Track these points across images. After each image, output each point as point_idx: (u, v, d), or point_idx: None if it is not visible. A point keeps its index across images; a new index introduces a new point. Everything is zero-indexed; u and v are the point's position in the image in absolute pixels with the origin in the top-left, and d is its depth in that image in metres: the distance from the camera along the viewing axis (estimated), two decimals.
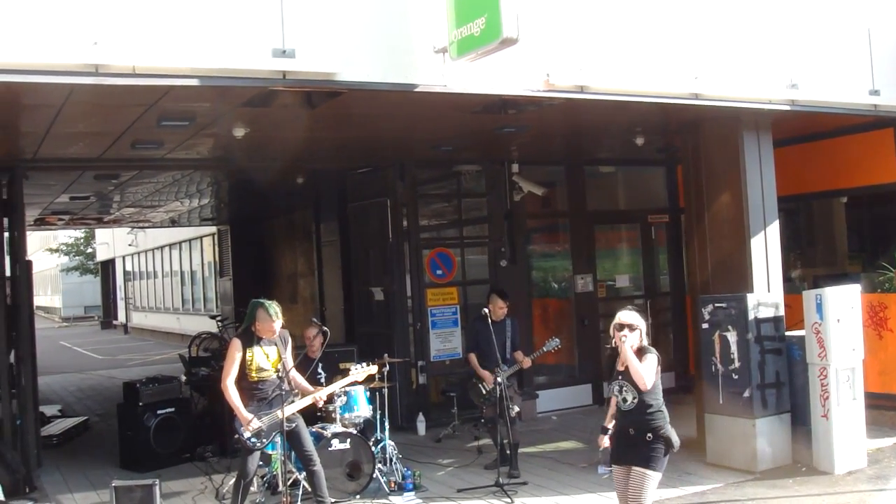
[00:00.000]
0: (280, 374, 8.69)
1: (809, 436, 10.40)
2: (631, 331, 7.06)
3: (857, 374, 10.38)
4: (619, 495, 7.17)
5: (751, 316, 10.39)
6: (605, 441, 7.29)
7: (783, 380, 10.62)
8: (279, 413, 8.54)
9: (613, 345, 7.16)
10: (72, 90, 7.61)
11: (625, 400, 7.05)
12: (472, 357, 10.95)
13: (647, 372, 6.94)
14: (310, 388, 9.04)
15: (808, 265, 13.98)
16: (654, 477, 6.94)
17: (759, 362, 10.41)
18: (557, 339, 10.89)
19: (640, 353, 7.07)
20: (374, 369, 9.56)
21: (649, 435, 6.96)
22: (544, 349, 10.90)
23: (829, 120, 11.61)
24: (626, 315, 7.18)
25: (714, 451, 10.75)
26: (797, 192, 12.78)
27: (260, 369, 8.66)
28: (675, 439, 7.04)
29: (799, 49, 10.49)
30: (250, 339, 8.72)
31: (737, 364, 10.43)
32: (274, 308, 8.71)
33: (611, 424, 7.29)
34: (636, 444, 7.00)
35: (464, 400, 12.86)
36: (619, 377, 7.11)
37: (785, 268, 11.56)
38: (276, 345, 8.78)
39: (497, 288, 11.82)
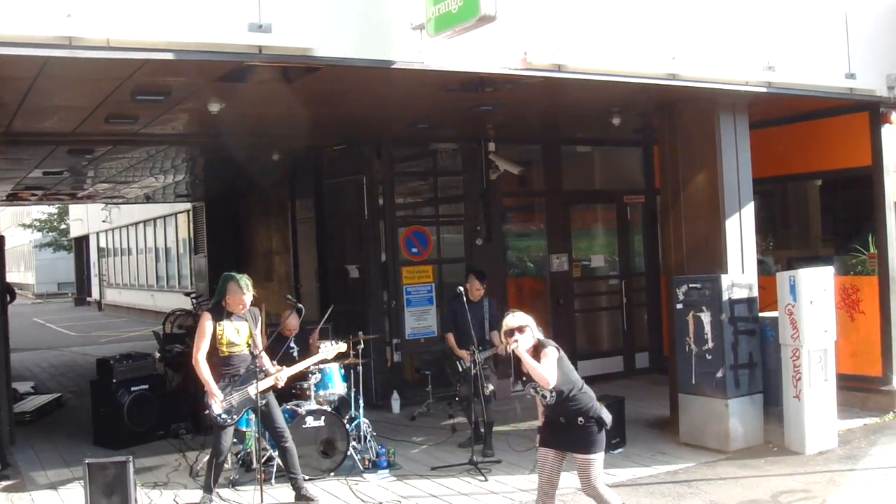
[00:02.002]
0: (251, 350, 8.68)
1: (781, 416, 10.48)
2: (521, 333, 7.06)
3: (829, 355, 10.46)
4: (543, 476, 7.22)
5: (725, 297, 10.44)
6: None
7: (756, 360, 10.68)
8: (250, 389, 8.53)
9: (509, 351, 7.11)
10: (45, 63, 7.53)
11: (544, 397, 7.06)
12: (450, 336, 10.94)
13: (548, 371, 6.92)
14: (272, 369, 8.98)
15: (782, 247, 14.05)
16: (598, 458, 7.00)
17: (732, 343, 10.47)
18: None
19: (538, 349, 7.07)
20: (343, 347, 9.55)
21: (580, 419, 7.00)
22: None
23: (805, 103, 11.65)
24: (512, 318, 7.17)
25: (687, 430, 10.82)
26: (772, 174, 12.83)
27: (230, 343, 8.65)
28: (607, 415, 7.08)
29: (776, 31, 10.52)
30: (220, 314, 8.71)
31: (710, 344, 10.49)
32: (245, 281, 8.69)
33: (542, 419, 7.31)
34: (570, 430, 7.02)
35: (438, 378, 12.90)
36: (524, 378, 7.15)
37: (759, 249, 11.61)
38: (246, 320, 8.77)
39: (475, 269, 11.81)
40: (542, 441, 7.23)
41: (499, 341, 10.82)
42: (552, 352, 7.05)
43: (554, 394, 6.99)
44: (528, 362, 6.94)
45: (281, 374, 8.93)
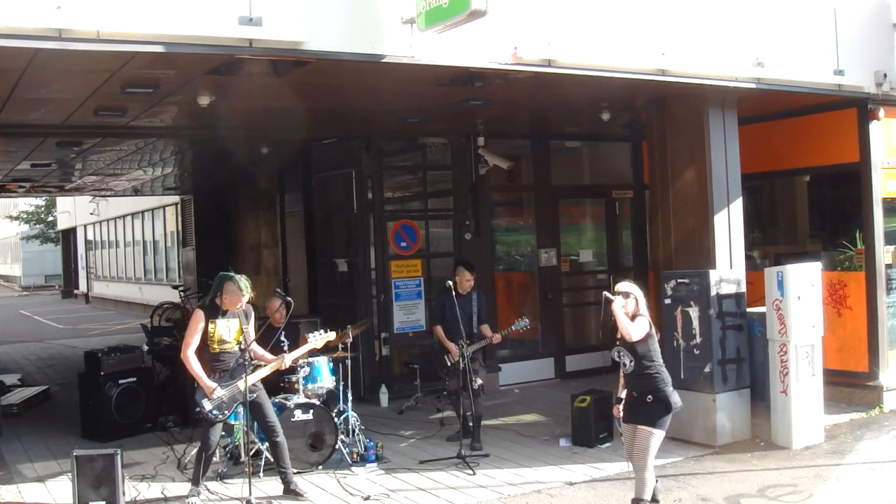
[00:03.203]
0: (241, 347, 8.69)
1: (768, 411, 10.53)
2: (625, 297, 7.73)
3: (816, 350, 10.50)
4: (626, 451, 7.92)
5: (713, 292, 10.47)
6: (619, 410, 8.01)
7: (744, 356, 10.72)
8: (240, 384, 8.54)
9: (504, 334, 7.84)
10: (34, 55, 7.50)
11: (624, 364, 7.78)
12: (439, 329, 10.91)
13: (632, 326, 7.63)
14: (271, 357, 9.05)
15: (771, 243, 14.10)
16: (657, 434, 7.63)
17: (720, 338, 10.51)
18: (527, 320, 10.88)
19: (634, 317, 7.73)
20: (331, 336, 9.55)
21: (649, 396, 7.67)
22: (513, 328, 10.87)
23: (794, 99, 11.68)
24: (622, 284, 7.91)
25: (674, 425, 10.69)
26: (761, 169, 12.86)
27: (222, 341, 8.67)
28: (675, 400, 7.72)
29: (765, 28, 10.55)
30: (214, 312, 8.71)
31: (698, 339, 10.52)
32: (243, 282, 8.70)
33: (623, 394, 8.00)
34: (639, 405, 7.73)
35: (427, 372, 12.92)
36: (617, 343, 7.81)
37: (747, 245, 11.64)
38: (238, 318, 8.78)
39: (464, 260, 11.83)
40: (623, 418, 7.94)
41: (489, 333, 10.87)
42: (644, 320, 7.76)
43: (633, 363, 7.70)
44: (617, 315, 7.63)
45: (286, 359, 9.03)
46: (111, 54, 7.45)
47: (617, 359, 7.87)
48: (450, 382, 10.85)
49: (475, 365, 10.60)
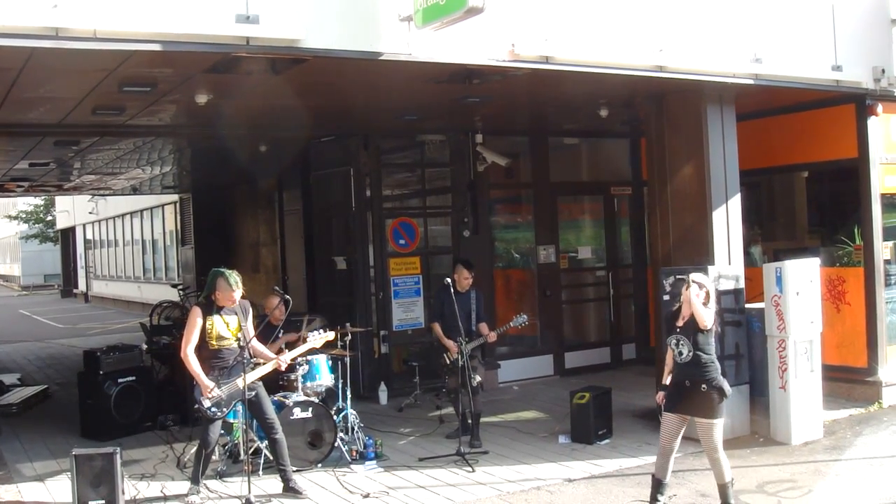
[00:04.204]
0: (241, 343, 8.70)
1: (767, 407, 10.54)
2: (700, 288, 7.82)
3: (814, 346, 10.51)
4: (665, 438, 8.01)
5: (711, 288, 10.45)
6: (662, 396, 8.14)
7: (742, 352, 10.73)
8: (239, 381, 8.54)
9: (680, 302, 8.02)
10: (31, 54, 7.49)
11: (680, 353, 7.89)
12: (436, 326, 10.91)
13: (707, 314, 7.77)
14: (271, 354, 9.06)
15: (769, 239, 14.09)
16: (718, 423, 7.82)
17: (718, 334, 10.47)
18: (525, 317, 10.92)
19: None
20: (331, 335, 9.56)
21: (703, 386, 7.78)
22: (511, 325, 10.90)
23: (792, 95, 11.69)
24: (696, 276, 7.99)
25: None
26: (759, 165, 12.85)
27: (220, 337, 8.67)
28: (728, 388, 7.88)
29: (763, 23, 10.54)
30: (210, 308, 8.71)
31: None
32: (234, 277, 8.69)
33: (667, 381, 8.16)
34: (692, 396, 7.82)
35: (426, 369, 12.92)
36: (677, 331, 7.96)
37: (746, 241, 11.64)
38: (236, 314, 8.78)
39: (463, 258, 11.82)
40: (666, 407, 8.02)
41: (486, 330, 10.86)
42: (713, 312, 7.94)
43: (690, 352, 7.81)
44: (694, 303, 7.74)
45: (283, 358, 9.06)
46: (108, 53, 7.44)
47: (674, 347, 7.95)
48: (449, 380, 10.85)
49: (474, 362, 10.60)
